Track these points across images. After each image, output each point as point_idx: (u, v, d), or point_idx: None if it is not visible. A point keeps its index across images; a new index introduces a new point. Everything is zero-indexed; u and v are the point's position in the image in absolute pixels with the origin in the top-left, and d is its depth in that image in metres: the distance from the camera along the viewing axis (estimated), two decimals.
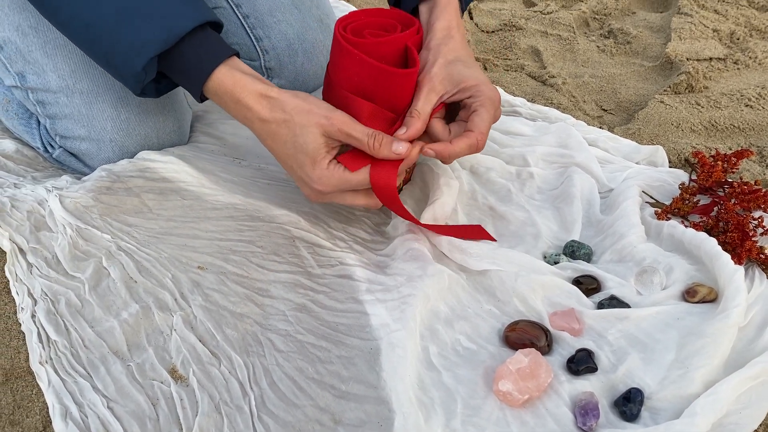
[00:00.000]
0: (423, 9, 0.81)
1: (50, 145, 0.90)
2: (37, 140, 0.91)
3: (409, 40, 0.74)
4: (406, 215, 0.74)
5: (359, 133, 0.69)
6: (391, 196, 0.71)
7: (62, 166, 0.91)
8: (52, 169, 0.92)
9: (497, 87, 1.14)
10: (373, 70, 0.70)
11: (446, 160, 0.74)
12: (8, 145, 0.93)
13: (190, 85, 0.73)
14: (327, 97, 0.76)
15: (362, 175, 0.70)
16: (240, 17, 1.00)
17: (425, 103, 0.73)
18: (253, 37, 1.01)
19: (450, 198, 0.81)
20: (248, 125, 0.73)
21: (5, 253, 0.74)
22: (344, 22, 0.74)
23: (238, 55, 0.74)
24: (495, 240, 0.78)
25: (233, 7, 1.00)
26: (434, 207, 0.79)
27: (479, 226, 0.79)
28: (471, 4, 1.52)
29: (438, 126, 0.75)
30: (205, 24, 0.72)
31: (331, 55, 0.74)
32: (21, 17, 0.83)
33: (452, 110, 0.78)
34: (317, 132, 0.69)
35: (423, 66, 0.75)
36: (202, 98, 0.74)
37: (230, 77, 0.71)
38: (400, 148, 0.70)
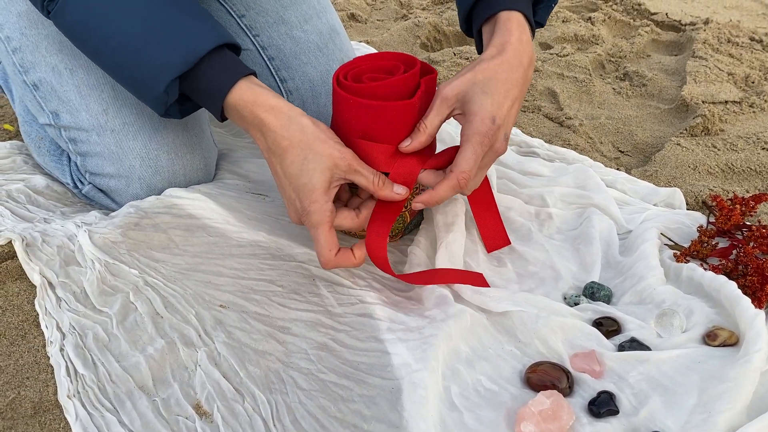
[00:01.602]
0: (486, 29, 0.79)
1: (80, 181, 0.92)
2: (67, 176, 0.93)
3: (411, 82, 0.74)
4: (388, 271, 0.75)
5: (367, 170, 0.72)
6: (379, 255, 0.74)
7: (91, 201, 0.94)
8: (81, 204, 0.95)
9: (515, 128, 1.16)
10: (370, 109, 0.72)
11: (435, 204, 0.75)
12: (39, 180, 0.96)
13: (211, 103, 0.75)
14: (334, 127, 0.77)
15: (342, 217, 0.74)
16: (266, 59, 1.04)
17: (435, 116, 0.73)
18: (278, 78, 1.04)
19: (459, 235, 0.82)
20: (261, 138, 0.73)
21: (35, 287, 0.76)
22: (344, 70, 0.76)
23: (255, 75, 0.76)
24: (489, 286, 0.78)
25: (259, 49, 1.04)
26: (445, 247, 0.80)
27: (480, 275, 0.80)
28: None
29: (429, 177, 0.75)
30: (223, 46, 0.75)
31: (333, 105, 0.76)
32: (57, 59, 0.87)
33: None
34: (328, 163, 0.71)
35: (454, 77, 0.74)
36: (222, 117, 0.76)
37: (251, 91, 0.73)
38: (400, 190, 0.73)
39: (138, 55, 0.73)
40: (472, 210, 0.85)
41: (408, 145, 0.73)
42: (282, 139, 0.72)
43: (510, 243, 0.86)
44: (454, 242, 0.81)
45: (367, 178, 0.72)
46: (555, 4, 0.84)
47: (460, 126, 0.75)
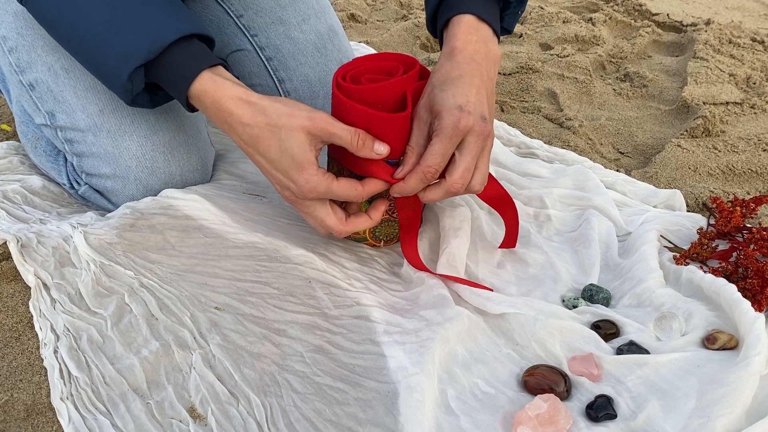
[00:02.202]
0: (446, 34, 0.79)
1: (76, 182, 0.92)
2: (63, 177, 0.93)
3: (409, 84, 0.74)
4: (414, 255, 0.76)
5: (343, 131, 0.70)
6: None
7: (87, 202, 0.93)
8: (77, 205, 0.94)
9: (515, 128, 1.15)
10: (365, 116, 0.71)
11: (405, 194, 0.74)
12: (35, 181, 0.95)
13: (176, 93, 0.75)
14: (333, 149, 0.77)
15: (344, 185, 0.72)
16: (263, 59, 1.03)
17: (418, 136, 0.74)
18: (275, 79, 1.03)
19: (464, 240, 0.82)
20: (230, 132, 0.73)
21: (30, 288, 0.76)
22: (344, 71, 0.76)
23: (226, 67, 0.75)
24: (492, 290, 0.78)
25: (257, 49, 1.03)
26: (448, 252, 0.80)
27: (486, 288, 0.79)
28: None
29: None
30: (192, 37, 0.74)
31: (332, 106, 0.76)
32: (53, 59, 0.87)
33: None
34: (302, 135, 0.70)
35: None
36: (189, 106, 0.76)
37: (212, 82, 0.73)
38: (381, 149, 0.72)
39: (104, 44, 0.73)
40: (495, 208, 0.84)
41: (402, 173, 0.73)
42: (249, 128, 0.71)
43: (514, 246, 0.85)
44: (458, 248, 0.81)
45: (344, 138, 0.70)
46: (522, 11, 0.84)
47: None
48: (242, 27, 1.04)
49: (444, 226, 0.84)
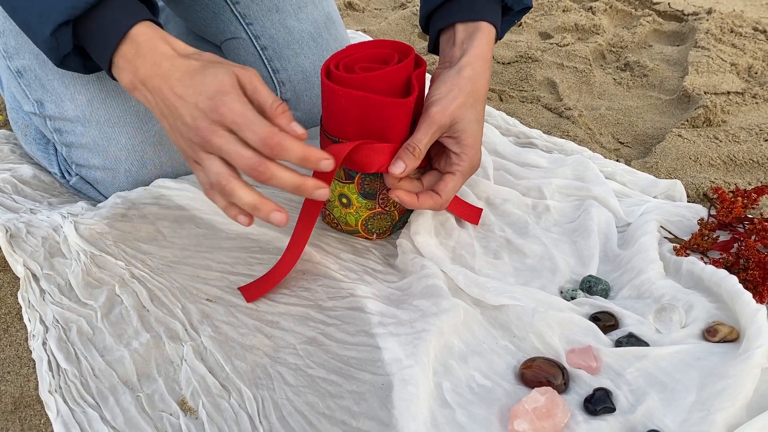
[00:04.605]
0: (460, 28, 0.77)
1: (67, 172, 0.90)
2: (54, 166, 0.91)
3: (405, 72, 0.72)
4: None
5: (267, 92, 0.65)
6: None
7: (79, 193, 0.92)
8: (68, 195, 0.93)
9: (514, 118, 1.14)
10: (361, 101, 0.69)
11: (395, 193, 0.74)
12: (26, 170, 0.94)
13: (104, 44, 0.68)
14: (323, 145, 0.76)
15: (266, 129, 0.62)
16: (258, 49, 1.01)
17: (429, 141, 0.72)
18: (270, 69, 1.02)
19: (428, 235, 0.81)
20: (157, 70, 0.66)
21: (18, 279, 0.74)
22: (337, 59, 0.74)
23: (160, 26, 0.70)
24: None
25: (252, 38, 1.01)
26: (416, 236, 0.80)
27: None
28: None
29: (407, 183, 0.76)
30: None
31: (322, 97, 0.73)
32: None
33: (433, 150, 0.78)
34: (232, 73, 0.64)
35: (440, 96, 0.73)
36: (109, 67, 0.69)
37: (152, 28, 0.68)
38: (297, 129, 0.64)
39: None
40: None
41: (402, 171, 0.71)
42: (185, 60, 0.66)
43: (481, 209, 0.87)
44: (417, 233, 0.81)
45: (266, 100, 0.64)
46: (517, 21, 0.84)
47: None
48: (237, 14, 1.02)
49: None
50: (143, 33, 0.68)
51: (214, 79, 0.63)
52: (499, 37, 0.80)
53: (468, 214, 0.86)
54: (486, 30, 0.76)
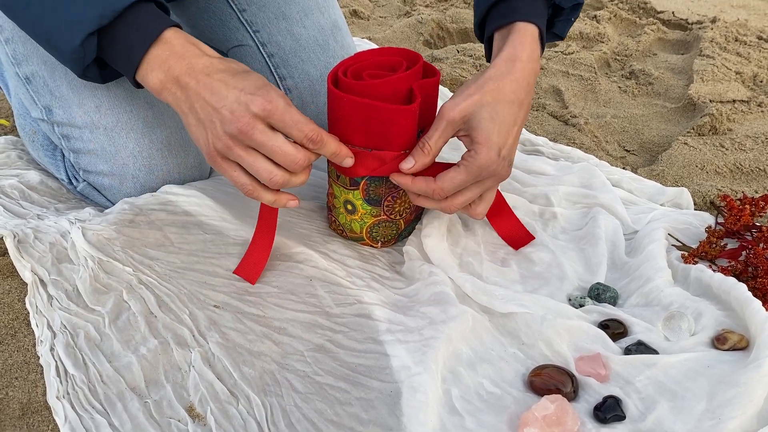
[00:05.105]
0: (497, 37, 0.76)
1: (75, 178, 0.91)
2: (62, 172, 0.92)
3: (412, 80, 0.72)
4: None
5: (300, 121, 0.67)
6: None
7: (86, 199, 0.92)
8: (75, 200, 0.93)
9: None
10: (365, 108, 0.70)
11: (403, 186, 0.75)
12: (33, 176, 0.94)
13: (133, 49, 0.69)
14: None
15: (311, 126, 0.67)
16: (265, 56, 1.02)
17: (440, 138, 0.71)
18: (276, 76, 1.02)
19: (438, 240, 0.81)
20: (191, 67, 0.68)
21: (26, 284, 0.74)
22: (345, 66, 0.74)
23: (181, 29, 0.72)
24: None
25: (258, 45, 1.02)
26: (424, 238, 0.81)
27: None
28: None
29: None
30: (150, 1, 0.70)
31: (328, 104, 0.74)
32: None
33: None
34: (263, 80, 0.68)
35: (456, 94, 0.72)
36: (136, 82, 0.71)
37: (184, 33, 0.70)
38: (348, 161, 0.71)
39: (55, 9, 0.68)
40: (488, 218, 0.84)
41: (411, 166, 0.72)
42: (218, 61, 0.69)
43: (534, 237, 0.84)
44: (428, 236, 0.81)
45: (301, 131, 0.67)
46: (575, 18, 0.81)
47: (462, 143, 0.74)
48: (245, 22, 1.02)
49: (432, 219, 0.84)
50: (176, 36, 0.70)
51: (257, 77, 0.68)
52: (556, 32, 0.79)
53: (513, 236, 0.84)
54: (520, 30, 0.73)
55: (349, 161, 0.72)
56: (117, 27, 0.69)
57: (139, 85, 0.72)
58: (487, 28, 0.78)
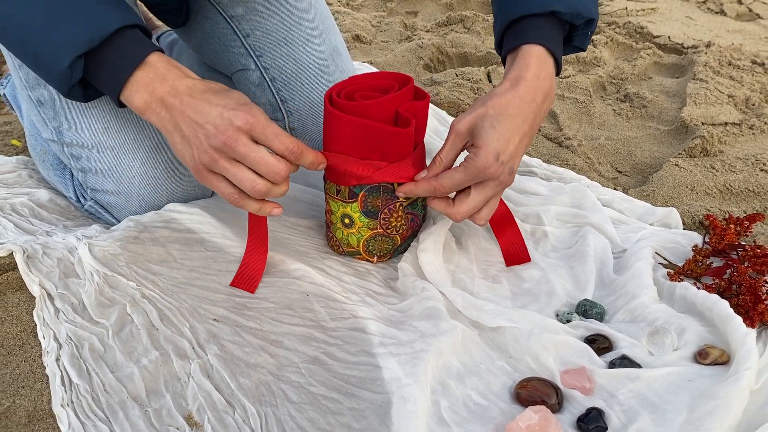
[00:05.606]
0: (508, 59, 0.81)
1: (83, 196, 0.94)
2: (70, 191, 0.95)
3: (402, 101, 0.77)
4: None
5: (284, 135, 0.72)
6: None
7: (93, 216, 0.95)
8: (83, 218, 0.96)
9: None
10: (361, 128, 0.74)
11: (409, 194, 0.80)
12: (43, 194, 0.98)
13: (118, 71, 0.73)
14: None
15: (291, 138, 0.72)
16: (267, 79, 1.06)
17: (450, 150, 0.77)
18: (278, 99, 1.06)
19: (434, 254, 0.84)
20: (174, 88, 0.73)
21: (34, 297, 0.77)
22: (338, 88, 0.78)
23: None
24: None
25: (261, 69, 1.06)
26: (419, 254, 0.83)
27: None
28: (490, 68, 1.57)
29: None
30: (135, 27, 0.75)
31: (324, 124, 0.78)
32: None
33: None
34: (245, 98, 0.73)
35: (468, 111, 0.77)
36: (119, 102, 0.75)
37: (167, 58, 0.76)
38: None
39: (45, 30, 0.72)
40: (492, 227, 0.88)
41: (424, 176, 0.78)
42: (199, 82, 0.74)
43: (530, 260, 0.87)
44: (424, 251, 0.83)
45: (283, 144, 0.72)
46: (593, 31, 0.85)
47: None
48: (248, 47, 1.06)
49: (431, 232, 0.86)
50: (160, 60, 0.75)
51: (238, 94, 0.73)
52: (576, 45, 0.83)
53: (511, 250, 0.87)
54: (526, 52, 0.78)
55: (323, 166, 0.77)
56: (103, 50, 0.73)
57: (122, 105, 0.77)
58: (503, 49, 0.83)
